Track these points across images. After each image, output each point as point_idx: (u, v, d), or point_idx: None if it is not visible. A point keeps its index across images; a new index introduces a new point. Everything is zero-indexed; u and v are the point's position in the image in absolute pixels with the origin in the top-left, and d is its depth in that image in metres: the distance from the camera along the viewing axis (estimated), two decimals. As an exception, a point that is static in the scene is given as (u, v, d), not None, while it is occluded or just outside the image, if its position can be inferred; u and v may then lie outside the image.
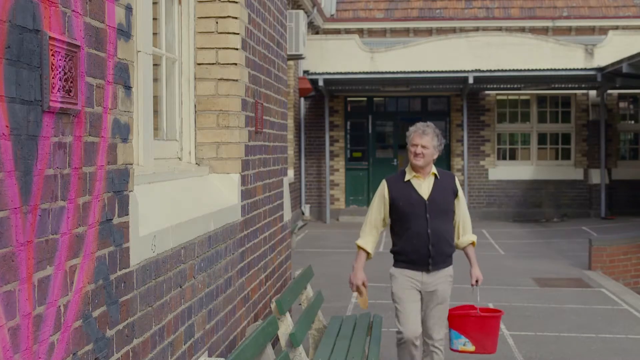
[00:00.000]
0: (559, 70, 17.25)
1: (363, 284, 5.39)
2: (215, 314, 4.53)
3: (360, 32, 20.32)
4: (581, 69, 17.49)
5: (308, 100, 19.07)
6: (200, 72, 5.03)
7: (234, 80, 5.03)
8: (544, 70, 17.26)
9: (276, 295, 6.10)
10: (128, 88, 3.14)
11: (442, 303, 5.25)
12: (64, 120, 2.57)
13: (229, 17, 5.00)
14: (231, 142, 5.03)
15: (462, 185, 18.36)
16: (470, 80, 17.24)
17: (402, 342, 5.23)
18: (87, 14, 2.75)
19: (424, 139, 5.14)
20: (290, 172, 17.31)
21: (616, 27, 19.67)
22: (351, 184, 19.42)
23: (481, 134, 19.12)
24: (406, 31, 20.46)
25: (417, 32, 20.40)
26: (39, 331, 2.42)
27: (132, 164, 3.20)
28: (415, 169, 5.22)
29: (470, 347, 5.30)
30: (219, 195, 4.86)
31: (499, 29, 20.01)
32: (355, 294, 5.32)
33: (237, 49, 5.04)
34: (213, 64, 5.02)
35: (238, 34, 5.05)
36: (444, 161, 18.89)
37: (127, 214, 3.13)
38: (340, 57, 18.54)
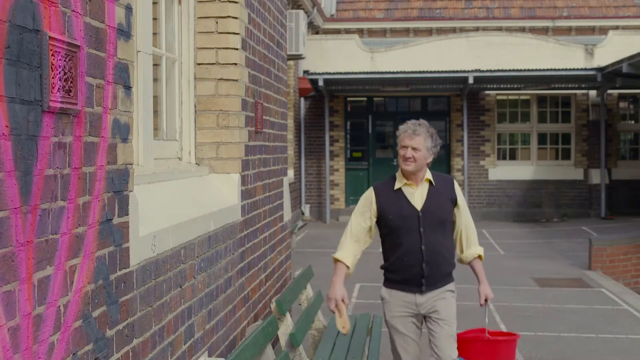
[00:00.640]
0: (559, 70, 17.25)
1: (342, 301, 4.48)
2: (215, 314, 4.53)
3: (360, 32, 20.32)
4: (581, 69, 17.49)
5: (308, 100, 19.08)
6: (200, 72, 5.03)
7: (234, 80, 5.03)
8: (544, 70, 17.26)
9: (276, 295, 6.10)
10: (128, 88, 3.14)
11: (445, 320, 4.45)
12: (63, 120, 2.57)
13: (229, 17, 5.00)
14: (231, 142, 5.03)
15: (461, 185, 18.37)
16: (470, 80, 17.24)
17: None
18: (87, 14, 2.75)
19: (415, 140, 4.38)
20: (290, 172, 17.32)
21: (616, 27, 19.68)
22: (351, 184, 19.43)
23: (481, 134, 19.12)
24: (406, 31, 20.46)
25: (417, 32, 20.41)
26: (39, 331, 2.42)
27: (132, 164, 3.20)
28: (406, 175, 4.47)
29: None
30: (219, 195, 4.86)
31: (499, 29, 20.01)
32: (337, 313, 4.48)
33: (237, 49, 5.04)
34: (213, 64, 5.02)
35: (238, 34, 5.05)
36: (444, 161, 18.90)
37: (127, 214, 3.13)
38: (340, 57, 18.54)
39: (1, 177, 2.19)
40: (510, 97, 19.54)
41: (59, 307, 2.55)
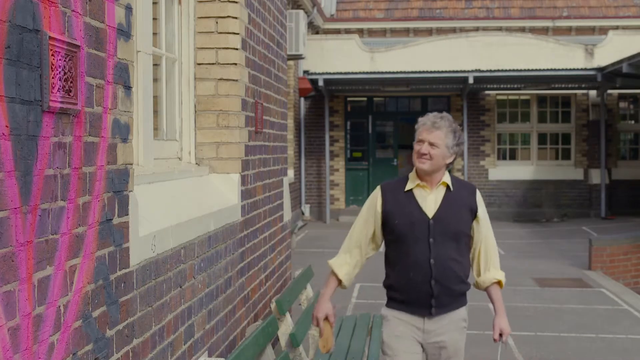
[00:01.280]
0: (559, 70, 17.25)
1: (326, 318, 3.88)
2: (215, 314, 4.52)
3: (360, 32, 20.32)
4: (581, 69, 17.49)
5: (308, 100, 19.08)
6: (200, 72, 5.03)
7: (234, 80, 5.03)
8: (544, 70, 17.26)
9: (276, 295, 6.10)
10: (128, 88, 3.14)
11: (453, 358, 3.82)
12: (63, 120, 2.57)
13: (229, 17, 5.00)
14: (231, 142, 5.03)
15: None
16: (470, 80, 17.24)
17: None
18: (87, 14, 2.75)
19: (434, 135, 3.70)
20: (290, 172, 17.32)
21: (616, 27, 19.67)
22: (351, 184, 19.43)
23: (481, 134, 19.12)
24: (406, 31, 20.46)
25: (417, 32, 20.40)
26: (39, 331, 2.42)
27: (132, 164, 3.20)
28: (420, 175, 3.79)
29: None
30: (219, 195, 4.86)
31: (499, 29, 20.01)
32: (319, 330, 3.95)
33: (237, 49, 5.04)
34: (213, 64, 5.02)
35: (238, 34, 5.05)
36: (444, 161, 18.88)
37: (127, 214, 3.13)
38: (340, 57, 18.54)
39: (1, 177, 2.19)
40: (510, 97, 19.54)
41: (59, 307, 2.55)
